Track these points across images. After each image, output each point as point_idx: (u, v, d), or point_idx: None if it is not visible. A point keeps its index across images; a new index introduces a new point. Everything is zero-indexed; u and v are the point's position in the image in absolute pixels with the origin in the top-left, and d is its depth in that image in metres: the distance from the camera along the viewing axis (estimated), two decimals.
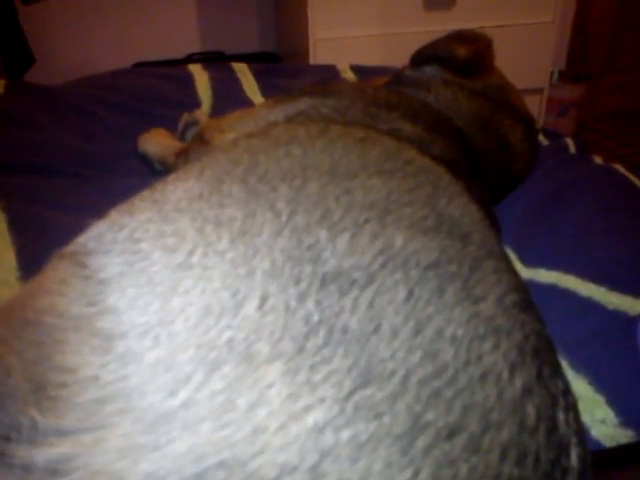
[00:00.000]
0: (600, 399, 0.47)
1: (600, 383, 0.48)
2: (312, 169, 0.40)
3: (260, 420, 0.27)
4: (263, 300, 0.31)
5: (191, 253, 0.34)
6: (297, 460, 0.26)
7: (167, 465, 0.26)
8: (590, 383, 0.48)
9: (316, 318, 0.31)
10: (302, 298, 0.31)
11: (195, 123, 0.93)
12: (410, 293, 0.32)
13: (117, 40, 2.09)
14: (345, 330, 0.30)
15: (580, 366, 0.49)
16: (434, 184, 0.42)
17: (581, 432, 0.35)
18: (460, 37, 0.80)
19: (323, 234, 0.35)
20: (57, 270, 0.38)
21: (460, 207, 0.40)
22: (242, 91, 1.08)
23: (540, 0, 1.88)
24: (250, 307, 0.31)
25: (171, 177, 0.44)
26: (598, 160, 0.84)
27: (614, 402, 0.46)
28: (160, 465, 0.26)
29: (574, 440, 0.33)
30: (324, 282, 0.32)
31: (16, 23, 1.74)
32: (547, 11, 1.90)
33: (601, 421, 0.45)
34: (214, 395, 0.28)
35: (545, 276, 0.59)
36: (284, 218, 0.35)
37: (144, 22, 2.09)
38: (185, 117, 0.95)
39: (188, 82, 1.07)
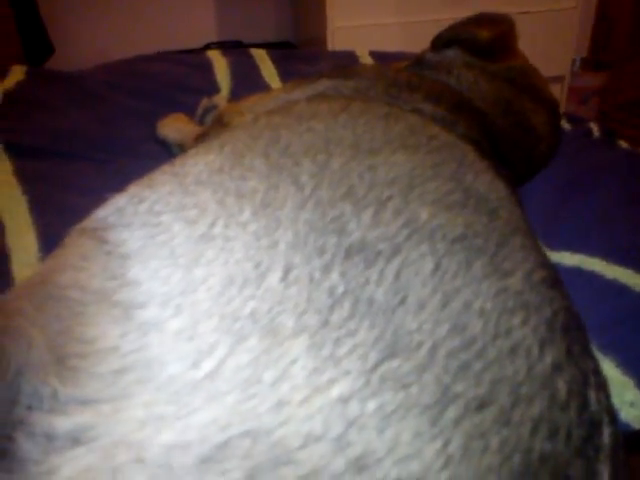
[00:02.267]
0: (629, 382, 0.46)
1: (628, 366, 0.47)
2: (335, 144, 0.39)
3: (284, 393, 0.27)
4: (287, 271, 0.31)
5: (213, 225, 0.33)
6: (322, 430, 0.25)
7: (190, 435, 0.26)
8: (618, 366, 0.47)
9: (341, 290, 0.30)
10: (326, 269, 0.31)
11: (214, 108, 0.93)
12: (437, 265, 0.32)
13: (135, 30, 2.09)
14: (371, 302, 0.30)
15: (607, 349, 0.48)
16: (459, 160, 0.41)
17: (612, 412, 0.34)
18: (482, 19, 0.79)
19: (348, 208, 0.34)
20: (78, 246, 0.38)
21: (486, 183, 0.40)
22: (261, 77, 1.07)
23: None
24: (273, 278, 0.30)
25: (191, 152, 0.44)
26: (623, 145, 0.82)
27: None
28: (183, 435, 0.26)
29: (606, 419, 0.32)
30: (349, 253, 0.31)
31: (35, 11, 1.75)
32: None
33: (630, 404, 0.44)
34: (240, 369, 0.27)
35: (569, 259, 0.58)
36: (307, 192, 0.35)
37: (162, 11, 2.09)
38: (204, 102, 0.95)
39: (207, 68, 1.07)
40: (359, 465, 0.24)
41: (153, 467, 0.25)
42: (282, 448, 0.25)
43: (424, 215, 0.34)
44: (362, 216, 0.33)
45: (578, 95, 2.19)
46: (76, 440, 0.27)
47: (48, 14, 1.80)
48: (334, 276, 0.30)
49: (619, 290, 0.53)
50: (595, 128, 0.87)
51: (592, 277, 0.55)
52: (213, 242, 0.33)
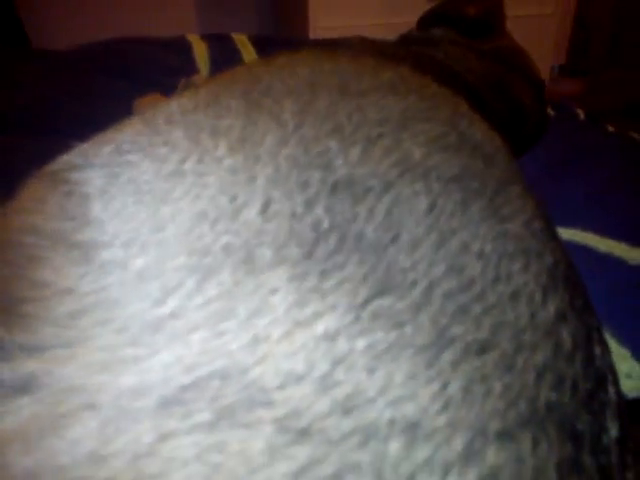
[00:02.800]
0: (625, 353, 0.43)
1: (624, 337, 0.44)
2: (320, 87, 0.36)
3: (261, 328, 0.23)
4: (265, 205, 0.27)
5: (183, 161, 0.30)
6: (304, 369, 0.22)
7: (152, 377, 0.23)
8: (614, 337, 0.44)
9: (326, 224, 0.27)
10: (310, 204, 0.28)
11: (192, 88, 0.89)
12: (432, 204, 0.29)
13: (113, 26, 2.05)
14: (359, 238, 0.27)
15: (603, 320, 0.45)
16: (453, 107, 0.38)
17: (615, 371, 0.31)
18: None
19: (334, 144, 0.31)
20: (35, 189, 0.34)
21: (482, 131, 0.37)
22: (241, 60, 1.04)
23: None
24: (251, 212, 0.27)
25: (163, 102, 0.40)
26: (610, 128, 0.81)
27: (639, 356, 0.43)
28: (143, 377, 0.23)
29: (610, 377, 0.30)
30: (335, 188, 0.28)
31: (12, 5, 1.70)
32: (548, 3, 1.86)
33: (627, 375, 0.42)
34: (208, 302, 0.24)
35: (562, 233, 0.56)
36: (290, 128, 0.32)
37: (142, 10, 2.05)
38: (183, 82, 0.91)
39: (186, 50, 1.04)
40: (347, 406, 0.21)
41: (107, 412, 0.22)
42: (257, 388, 0.22)
43: (417, 154, 0.31)
44: (350, 152, 0.30)
45: (557, 101, 2.20)
46: (21, 389, 0.24)
47: (24, 5, 1.76)
48: (318, 211, 0.27)
49: (613, 263, 0.51)
50: (580, 112, 0.86)
51: (585, 250, 0.53)
52: (184, 178, 0.29)
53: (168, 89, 0.92)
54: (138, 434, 0.21)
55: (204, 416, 0.21)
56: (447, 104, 0.39)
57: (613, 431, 0.27)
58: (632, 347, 0.44)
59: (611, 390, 0.29)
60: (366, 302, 0.24)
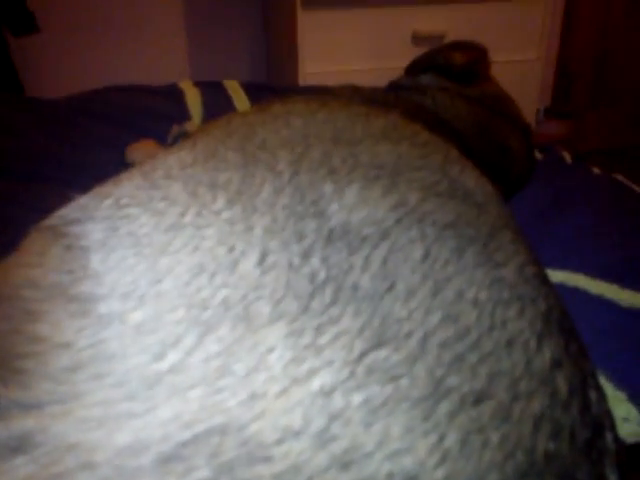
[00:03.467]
0: (621, 396, 0.43)
1: (620, 380, 0.44)
2: (314, 137, 0.37)
3: (259, 385, 0.23)
4: (263, 256, 0.28)
5: (183, 214, 0.31)
6: (301, 424, 0.22)
7: (149, 434, 0.22)
8: (609, 380, 0.44)
9: (322, 276, 0.27)
10: (306, 255, 0.28)
11: (185, 135, 0.91)
12: (427, 252, 0.29)
13: (107, 75, 2.08)
14: (355, 288, 0.27)
15: (598, 363, 0.45)
16: (444, 154, 0.39)
17: (612, 417, 0.31)
18: (456, 46, 0.80)
19: (328, 187, 0.31)
20: (34, 243, 0.35)
21: (473, 178, 0.38)
22: (233, 107, 1.06)
23: (525, 38, 1.90)
24: (248, 264, 0.27)
25: (161, 154, 0.41)
26: (596, 170, 0.82)
27: (636, 398, 0.43)
28: (141, 434, 0.22)
29: (607, 423, 0.30)
30: (330, 239, 0.29)
31: (7, 54, 1.72)
32: (532, 49, 1.92)
33: (624, 418, 0.42)
34: (208, 359, 0.24)
35: (553, 276, 0.56)
36: (286, 177, 0.32)
37: (135, 57, 2.09)
38: (175, 129, 0.93)
39: (178, 97, 1.05)
40: (345, 460, 0.21)
41: (104, 471, 0.22)
42: (256, 444, 0.22)
43: (413, 199, 0.32)
44: (345, 194, 0.31)
45: (543, 143, 2.24)
46: (16, 449, 0.24)
47: (18, 57, 1.78)
48: (314, 261, 0.28)
49: (606, 305, 0.51)
50: (567, 156, 0.87)
51: (577, 293, 0.53)
52: (183, 231, 0.30)
53: (160, 136, 0.93)
54: None
55: (203, 472, 0.21)
56: (438, 151, 0.39)
57: (612, 479, 0.27)
58: (628, 390, 0.44)
59: (609, 437, 0.29)
60: (362, 356, 0.24)
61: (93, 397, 0.24)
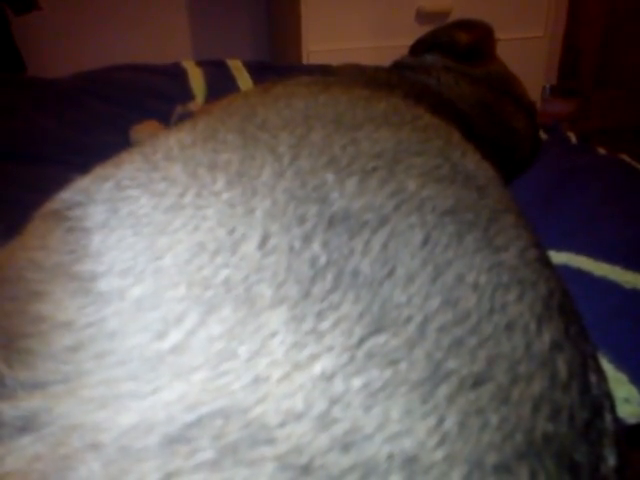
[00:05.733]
0: (622, 377, 0.44)
1: (621, 361, 0.45)
2: (315, 119, 0.37)
3: (262, 369, 0.24)
4: (264, 239, 0.28)
5: (182, 195, 0.31)
6: (303, 407, 0.22)
7: (154, 415, 0.23)
8: (611, 362, 0.45)
9: (323, 260, 0.27)
10: (307, 239, 0.28)
11: (188, 115, 0.90)
12: (427, 237, 0.29)
13: (109, 53, 2.06)
14: (356, 274, 0.27)
15: (599, 345, 0.46)
16: (445, 139, 0.39)
17: (612, 399, 0.31)
18: (461, 24, 0.79)
19: (330, 177, 0.31)
20: (38, 227, 0.35)
21: (474, 162, 0.38)
22: (236, 86, 1.05)
23: (531, 15, 1.87)
24: (250, 246, 0.28)
25: (161, 135, 0.41)
26: (601, 150, 0.82)
27: (637, 380, 0.43)
28: (146, 415, 0.23)
29: (606, 404, 0.30)
30: (332, 223, 0.29)
31: (8, 32, 1.71)
32: (538, 26, 1.89)
33: (624, 399, 0.42)
34: (211, 341, 0.25)
35: (556, 257, 0.56)
36: (286, 161, 0.32)
37: (137, 35, 2.07)
38: (178, 109, 0.92)
39: (181, 76, 1.05)
40: (346, 442, 0.22)
41: (110, 451, 0.22)
42: (259, 426, 0.22)
43: (412, 186, 0.32)
44: (346, 185, 0.31)
45: (548, 122, 2.22)
46: (23, 428, 0.24)
47: (20, 35, 1.77)
48: (315, 246, 0.28)
49: (609, 287, 0.51)
50: (572, 136, 0.87)
51: (580, 274, 0.54)
52: (182, 211, 0.30)
53: (164, 116, 0.92)
54: (143, 474, 0.21)
55: (208, 454, 0.21)
56: (440, 135, 0.39)
57: (611, 460, 0.27)
58: (629, 371, 0.44)
59: (608, 418, 0.29)
60: (361, 341, 0.25)
61: (96, 376, 0.25)
